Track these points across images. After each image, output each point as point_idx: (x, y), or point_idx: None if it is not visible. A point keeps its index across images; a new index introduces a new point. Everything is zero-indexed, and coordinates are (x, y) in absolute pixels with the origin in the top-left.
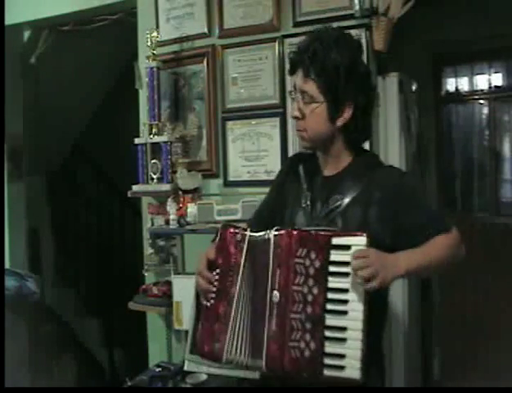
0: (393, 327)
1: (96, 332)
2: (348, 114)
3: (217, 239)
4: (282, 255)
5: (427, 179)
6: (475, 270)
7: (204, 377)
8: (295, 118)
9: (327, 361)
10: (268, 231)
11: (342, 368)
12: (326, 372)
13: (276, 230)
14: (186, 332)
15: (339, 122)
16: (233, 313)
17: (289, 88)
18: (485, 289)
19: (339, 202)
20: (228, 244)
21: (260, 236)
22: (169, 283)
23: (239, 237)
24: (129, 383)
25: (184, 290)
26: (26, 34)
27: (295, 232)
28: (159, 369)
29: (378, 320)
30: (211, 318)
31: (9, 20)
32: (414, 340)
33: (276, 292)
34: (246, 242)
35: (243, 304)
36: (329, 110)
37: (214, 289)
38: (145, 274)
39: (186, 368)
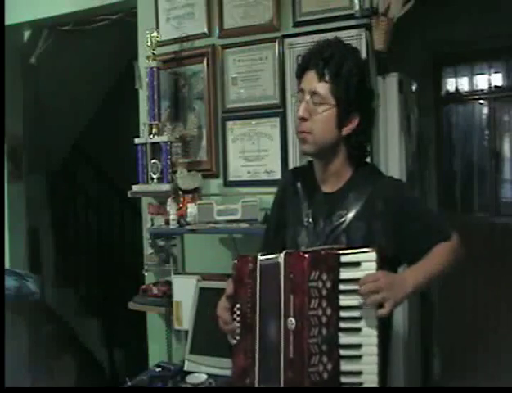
0: (393, 328)
1: (96, 332)
2: (354, 124)
3: (233, 272)
4: (295, 280)
5: (427, 179)
6: (475, 270)
7: (204, 377)
8: (302, 119)
9: (344, 379)
10: (278, 255)
11: (359, 384)
12: None
13: (285, 254)
14: (186, 332)
15: (345, 131)
16: (258, 346)
17: (289, 87)
18: (485, 289)
19: (343, 218)
20: (242, 275)
21: (270, 259)
22: (169, 283)
23: (251, 266)
24: (129, 383)
25: (184, 290)
26: (26, 34)
27: (307, 256)
28: (159, 369)
29: (384, 332)
30: (240, 354)
31: (9, 20)
32: (414, 340)
33: (291, 319)
34: (258, 270)
35: (264, 334)
36: (338, 115)
37: (238, 325)
38: (145, 274)
39: (186, 368)
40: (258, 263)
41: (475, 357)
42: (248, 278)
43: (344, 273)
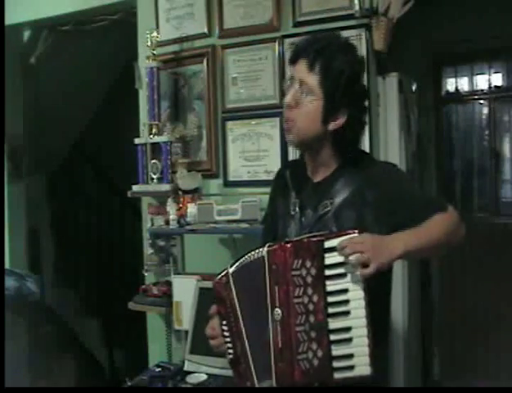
0: (393, 328)
1: (96, 332)
2: (341, 120)
3: (214, 295)
4: (278, 270)
5: (427, 179)
6: (475, 270)
7: (204, 377)
8: (288, 106)
9: (336, 364)
10: (261, 249)
11: (352, 367)
12: (337, 376)
13: (268, 246)
14: (186, 332)
15: (331, 126)
16: (248, 349)
17: None
18: (485, 289)
19: (328, 208)
20: (220, 291)
21: (252, 256)
22: (169, 283)
23: (224, 279)
24: (129, 383)
25: (184, 290)
26: (26, 34)
27: (288, 245)
28: (159, 369)
29: (381, 313)
30: (238, 366)
31: (9, 20)
32: (414, 340)
33: (277, 309)
34: (231, 279)
35: (252, 335)
36: (324, 108)
37: (229, 339)
38: (145, 274)
39: (186, 368)
40: (230, 273)
41: (475, 357)
42: (224, 291)
43: (329, 259)
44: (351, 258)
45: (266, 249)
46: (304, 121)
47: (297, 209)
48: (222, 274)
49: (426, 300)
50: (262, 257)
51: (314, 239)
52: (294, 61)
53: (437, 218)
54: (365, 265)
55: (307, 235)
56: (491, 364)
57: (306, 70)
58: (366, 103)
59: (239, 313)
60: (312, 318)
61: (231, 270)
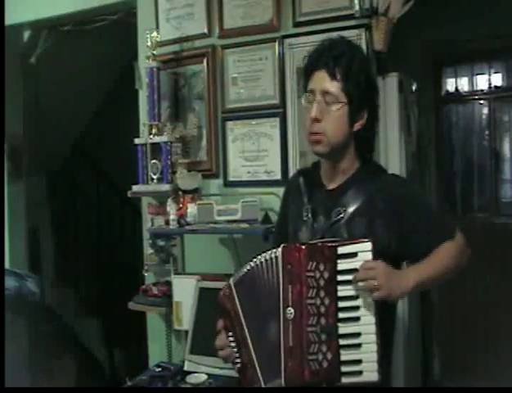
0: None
1: (96, 331)
2: (363, 119)
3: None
4: (293, 270)
5: (427, 179)
6: (475, 270)
7: (204, 377)
8: (315, 120)
9: (345, 369)
10: (275, 249)
11: (360, 373)
12: (344, 380)
13: (283, 247)
14: (186, 331)
15: (356, 127)
16: (253, 353)
17: (289, 87)
18: (485, 289)
19: (341, 215)
20: (224, 304)
21: (264, 257)
22: (169, 283)
23: (227, 291)
24: (129, 383)
25: (184, 290)
26: (26, 34)
27: (303, 247)
28: (159, 369)
29: (387, 325)
30: (245, 372)
31: (9, 20)
32: (414, 340)
33: (290, 308)
34: (233, 289)
35: (257, 338)
36: (350, 112)
37: (235, 350)
38: (145, 274)
39: (186, 368)
40: (232, 284)
41: (475, 357)
42: (228, 302)
43: (342, 265)
44: (364, 284)
45: (281, 249)
46: (335, 130)
47: (309, 214)
48: (225, 287)
49: (426, 300)
50: (277, 257)
51: (328, 244)
52: (310, 72)
53: (446, 249)
54: (374, 290)
55: (321, 240)
56: (491, 364)
57: (327, 79)
58: (378, 99)
59: (242, 320)
60: (323, 321)
61: (233, 281)
